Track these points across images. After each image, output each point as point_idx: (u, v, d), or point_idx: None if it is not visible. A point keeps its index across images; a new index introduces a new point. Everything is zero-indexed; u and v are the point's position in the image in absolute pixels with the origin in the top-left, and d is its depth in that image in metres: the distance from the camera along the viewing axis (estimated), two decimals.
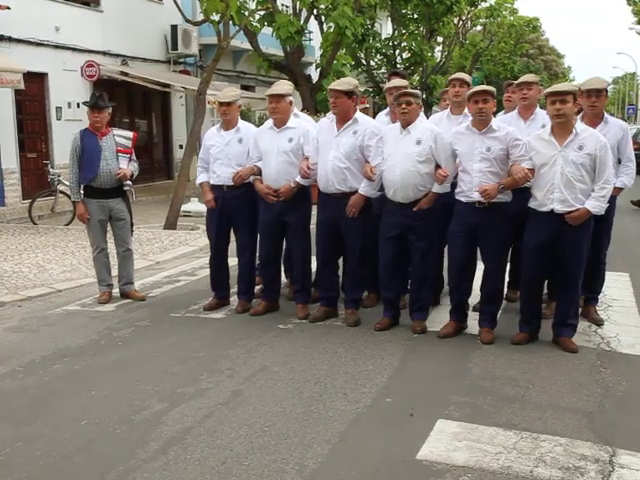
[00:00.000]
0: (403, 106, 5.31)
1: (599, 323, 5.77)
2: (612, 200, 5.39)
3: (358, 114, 5.67)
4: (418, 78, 27.14)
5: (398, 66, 24.25)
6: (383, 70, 24.73)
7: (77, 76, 14.94)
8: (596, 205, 4.92)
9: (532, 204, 5.12)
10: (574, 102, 4.91)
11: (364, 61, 24.02)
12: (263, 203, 5.94)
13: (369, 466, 3.49)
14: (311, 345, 5.31)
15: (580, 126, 5.02)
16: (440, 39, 29.15)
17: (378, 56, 24.63)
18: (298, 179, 5.76)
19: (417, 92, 5.51)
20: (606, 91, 5.57)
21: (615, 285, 7.02)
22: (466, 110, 5.71)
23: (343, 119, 5.61)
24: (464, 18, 30.75)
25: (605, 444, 3.68)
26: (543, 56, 58.04)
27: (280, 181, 5.79)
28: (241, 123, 6.20)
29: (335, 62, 16.99)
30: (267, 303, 6.19)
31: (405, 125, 5.38)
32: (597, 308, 6.00)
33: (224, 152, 6.06)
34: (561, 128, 4.93)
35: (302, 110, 13.66)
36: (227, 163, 6.04)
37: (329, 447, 3.68)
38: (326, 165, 5.60)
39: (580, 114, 5.47)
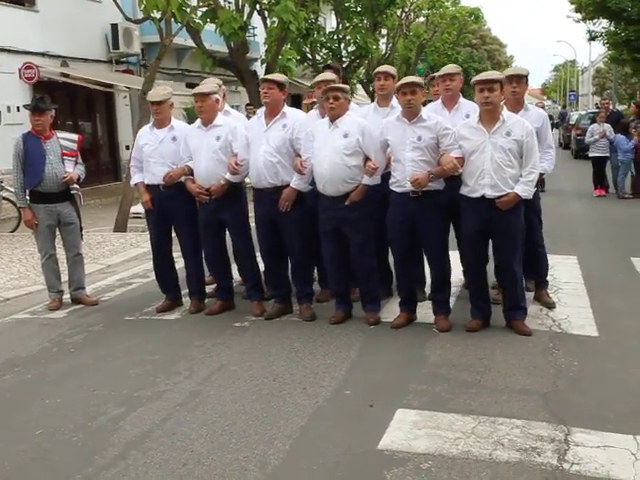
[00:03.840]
0: (331, 101, 5.34)
1: (550, 306, 5.89)
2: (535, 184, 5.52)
3: (287, 108, 5.72)
4: (364, 71, 27.24)
5: (344, 59, 24.29)
6: (329, 64, 24.78)
7: (15, 78, 14.53)
8: (525, 189, 5.06)
9: (463, 191, 5.22)
10: (501, 90, 5.03)
11: (310, 55, 23.98)
12: (199, 203, 5.91)
13: (331, 459, 3.50)
14: (268, 342, 5.30)
15: (507, 113, 5.15)
16: (384, 31, 29.30)
17: (323, 50, 24.61)
18: (228, 176, 5.72)
19: (345, 87, 5.54)
20: (526, 78, 5.71)
21: (564, 268, 7.18)
22: (393, 102, 5.76)
23: (273, 112, 5.63)
24: (407, 10, 30.90)
25: (560, 424, 3.76)
26: (486, 46, 58.91)
27: (211, 180, 5.76)
28: (174, 121, 6.15)
29: (280, 57, 16.89)
30: (222, 302, 6.15)
31: (333, 119, 5.41)
32: (548, 291, 6.13)
33: (158, 151, 5.99)
34: (489, 115, 5.05)
35: (248, 105, 13.60)
36: (161, 162, 5.98)
37: (290, 442, 3.67)
38: (257, 160, 5.61)
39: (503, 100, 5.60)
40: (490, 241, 5.33)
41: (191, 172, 5.88)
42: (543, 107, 16.92)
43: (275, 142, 5.58)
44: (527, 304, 5.49)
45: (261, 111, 5.80)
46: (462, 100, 5.93)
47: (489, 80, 5.00)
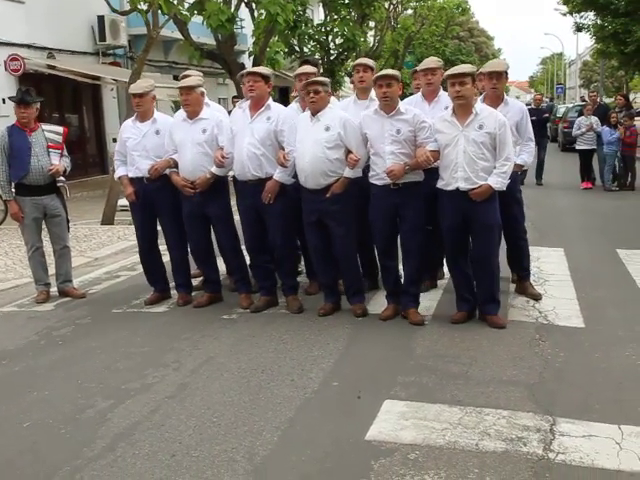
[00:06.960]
0: (311, 95, 5.35)
1: (537, 297, 5.93)
2: (514, 177, 5.57)
3: (270, 101, 5.71)
4: (352, 63, 27.21)
5: (331, 52, 24.25)
6: (317, 56, 24.72)
7: (1, 70, 14.44)
8: (498, 181, 5.09)
9: (439, 184, 5.26)
10: (473, 83, 5.06)
11: (297, 48, 23.92)
12: (183, 196, 5.90)
13: (319, 450, 3.52)
14: (256, 334, 5.31)
15: (480, 106, 5.18)
16: (372, 24, 29.25)
17: (311, 42, 24.55)
18: (213, 169, 5.73)
19: (325, 80, 5.54)
20: (506, 73, 5.73)
21: (550, 260, 7.23)
22: (372, 94, 5.78)
23: (257, 104, 5.62)
24: (395, 2, 30.88)
25: (546, 414, 3.80)
26: (473, 38, 58.95)
27: (196, 173, 5.76)
28: (157, 114, 6.13)
29: (268, 50, 16.85)
30: (209, 295, 6.15)
31: (314, 113, 5.42)
32: (534, 283, 6.17)
33: (141, 144, 5.98)
34: (462, 109, 5.08)
35: (235, 98, 13.55)
36: (145, 155, 5.97)
37: (278, 434, 3.69)
38: (241, 152, 5.61)
39: (482, 95, 5.65)
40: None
41: (176, 165, 5.87)
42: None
43: (259, 134, 5.58)
44: (500, 297, 5.46)
45: (245, 104, 5.79)
46: (442, 93, 5.93)
47: (460, 74, 5.02)
